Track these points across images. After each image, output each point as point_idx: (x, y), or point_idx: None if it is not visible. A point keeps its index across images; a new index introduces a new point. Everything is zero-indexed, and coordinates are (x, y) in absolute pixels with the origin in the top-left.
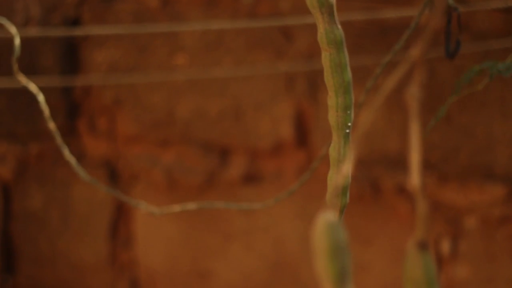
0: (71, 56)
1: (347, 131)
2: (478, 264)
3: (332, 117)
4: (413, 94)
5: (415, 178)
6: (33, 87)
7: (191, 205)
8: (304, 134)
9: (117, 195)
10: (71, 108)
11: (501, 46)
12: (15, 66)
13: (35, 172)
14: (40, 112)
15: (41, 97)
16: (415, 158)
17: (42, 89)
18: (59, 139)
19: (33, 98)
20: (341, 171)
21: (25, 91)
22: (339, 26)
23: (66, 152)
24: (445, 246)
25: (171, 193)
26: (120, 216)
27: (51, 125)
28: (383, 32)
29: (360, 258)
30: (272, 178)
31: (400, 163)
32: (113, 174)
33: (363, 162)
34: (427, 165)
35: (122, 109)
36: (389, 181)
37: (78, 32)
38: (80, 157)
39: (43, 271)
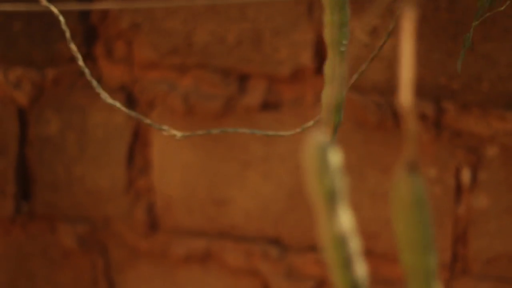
0: None
1: (342, 49)
2: (498, 194)
3: (328, 34)
4: (407, 13)
5: (405, 98)
6: (53, 9)
7: (215, 130)
8: (324, 60)
9: (138, 117)
10: (88, 33)
11: None
12: None
13: (51, 97)
14: (57, 36)
15: (61, 19)
16: (405, 77)
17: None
18: (80, 60)
19: (49, 22)
20: (335, 88)
21: (42, 15)
22: None
23: (87, 72)
24: (465, 175)
25: (188, 119)
26: (137, 142)
27: (72, 46)
28: None
29: (380, 185)
30: (291, 104)
31: (421, 90)
32: (130, 100)
33: (384, 89)
34: (449, 93)
35: (139, 33)
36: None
37: None
38: (97, 82)
39: (59, 196)
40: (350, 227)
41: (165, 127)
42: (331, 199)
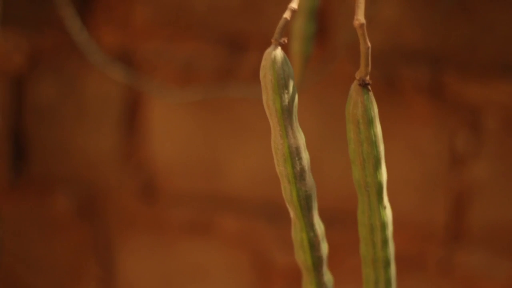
0: None
1: None
2: (495, 162)
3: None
4: None
5: (359, 15)
6: None
7: (211, 93)
8: (324, 30)
9: (137, 83)
10: None
11: None
12: None
13: (49, 63)
14: (57, 1)
15: None
16: None
17: None
18: (78, 23)
19: None
20: (301, 18)
21: None
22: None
23: (85, 35)
24: (463, 143)
25: (187, 87)
26: (135, 110)
27: (68, 10)
28: None
29: None
30: None
31: (417, 56)
32: (128, 67)
33: (377, 57)
34: (446, 60)
35: (138, 0)
36: (406, 77)
37: None
38: (95, 49)
39: (57, 164)
40: (303, 142)
41: (162, 90)
42: (287, 113)
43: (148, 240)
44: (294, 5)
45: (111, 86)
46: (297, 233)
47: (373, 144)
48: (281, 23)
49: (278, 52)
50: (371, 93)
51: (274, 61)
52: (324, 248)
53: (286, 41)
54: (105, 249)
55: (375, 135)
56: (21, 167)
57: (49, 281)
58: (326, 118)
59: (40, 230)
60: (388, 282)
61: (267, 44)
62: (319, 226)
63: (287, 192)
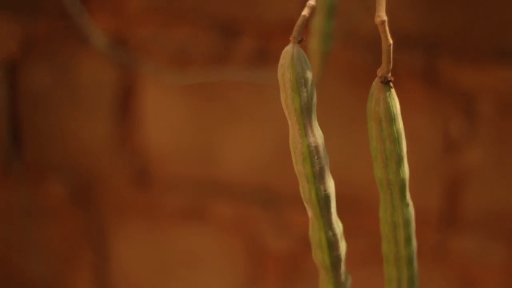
0: None
1: None
2: (490, 147)
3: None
4: None
5: (381, 12)
6: None
7: (207, 77)
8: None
9: (138, 65)
10: None
11: None
12: None
13: (43, 49)
14: None
15: None
16: None
17: None
18: (77, 5)
19: None
20: (324, 15)
21: None
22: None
23: (84, 17)
24: (457, 128)
25: (180, 72)
26: (129, 96)
27: None
28: None
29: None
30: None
31: (412, 44)
32: (122, 53)
33: (372, 43)
34: (440, 46)
35: None
36: (400, 63)
37: None
38: (90, 35)
39: (50, 151)
40: (322, 141)
41: (158, 72)
42: (306, 111)
43: (142, 226)
44: (312, 1)
45: (105, 72)
46: (315, 233)
47: (396, 141)
48: (299, 20)
49: (297, 50)
50: (393, 90)
51: (292, 59)
52: (343, 247)
53: (304, 38)
54: (99, 236)
55: (397, 132)
56: (15, 153)
57: (43, 267)
58: (321, 105)
59: (34, 217)
60: (411, 279)
61: (262, 29)
62: (338, 225)
63: (306, 192)
